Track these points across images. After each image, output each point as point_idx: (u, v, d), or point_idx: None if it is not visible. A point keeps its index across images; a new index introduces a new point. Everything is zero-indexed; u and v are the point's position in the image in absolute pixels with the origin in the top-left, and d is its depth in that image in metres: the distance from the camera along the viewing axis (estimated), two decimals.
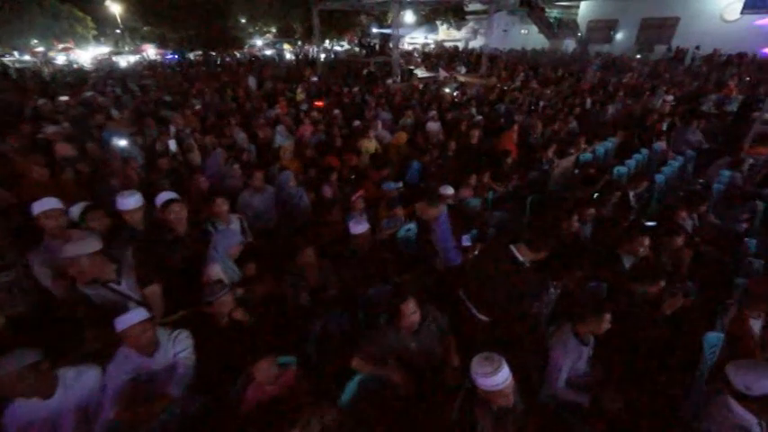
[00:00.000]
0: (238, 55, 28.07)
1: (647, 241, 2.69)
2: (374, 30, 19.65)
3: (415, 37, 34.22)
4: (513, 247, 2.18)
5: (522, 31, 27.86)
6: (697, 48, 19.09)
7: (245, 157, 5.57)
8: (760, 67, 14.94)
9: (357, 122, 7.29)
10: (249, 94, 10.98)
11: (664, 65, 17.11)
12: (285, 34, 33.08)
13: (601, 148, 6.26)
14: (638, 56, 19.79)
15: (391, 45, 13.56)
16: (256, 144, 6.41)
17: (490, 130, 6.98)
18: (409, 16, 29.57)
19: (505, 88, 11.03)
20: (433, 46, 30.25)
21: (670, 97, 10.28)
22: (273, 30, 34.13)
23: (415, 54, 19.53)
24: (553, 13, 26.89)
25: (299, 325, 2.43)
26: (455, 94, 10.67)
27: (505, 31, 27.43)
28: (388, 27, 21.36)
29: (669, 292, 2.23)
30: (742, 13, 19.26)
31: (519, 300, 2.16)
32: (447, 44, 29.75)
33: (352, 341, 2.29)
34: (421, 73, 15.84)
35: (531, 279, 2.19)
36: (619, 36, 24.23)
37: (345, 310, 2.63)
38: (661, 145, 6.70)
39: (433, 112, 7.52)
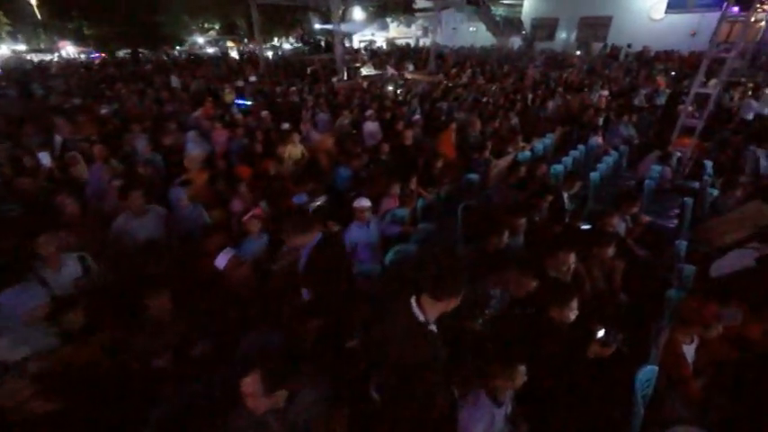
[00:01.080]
0: (177, 53, 26.06)
1: (571, 258, 2.35)
2: (317, 26, 18.84)
3: (366, 34, 33.73)
4: (413, 303, 1.69)
5: (471, 29, 28.25)
6: (629, 45, 20.28)
7: (145, 170, 4.75)
8: (683, 63, 15.98)
9: (286, 125, 6.62)
10: (174, 96, 9.88)
11: (600, 61, 17.89)
12: (229, 31, 31.24)
13: (539, 145, 6.09)
14: (578, 52, 20.61)
15: (335, 42, 12.91)
16: (164, 154, 5.56)
17: (431, 130, 6.63)
18: (358, 13, 29.09)
19: (450, 85, 10.79)
20: (384, 44, 29.94)
21: (605, 92, 10.56)
22: (217, 26, 32.12)
23: (363, 51, 18.99)
24: (499, 11, 27.52)
25: (134, 405, 1.80)
26: (399, 91, 10.26)
27: (454, 28, 27.68)
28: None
29: (602, 341, 1.86)
30: (666, 12, 20.92)
31: (422, 374, 1.62)
32: (399, 42, 29.53)
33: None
34: (368, 71, 15.34)
35: (437, 345, 1.70)
36: (560, 34, 25.21)
37: (214, 375, 2.03)
38: (597, 140, 6.68)
39: (370, 112, 7.01)
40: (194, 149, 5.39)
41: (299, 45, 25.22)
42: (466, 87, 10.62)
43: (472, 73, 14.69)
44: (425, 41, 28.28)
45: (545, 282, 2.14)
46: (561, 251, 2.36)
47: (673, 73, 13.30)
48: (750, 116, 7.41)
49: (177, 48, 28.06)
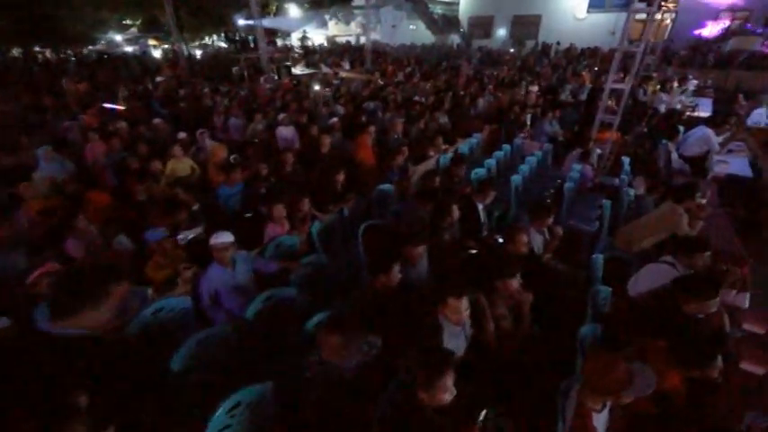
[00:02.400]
0: (87, 53, 23.09)
1: (463, 304, 1.85)
2: (242, 22, 17.48)
3: (305, 32, 32.46)
4: None
5: (411, 27, 28.19)
6: (558, 43, 21.28)
7: None
8: (604, 59, 16.91)
9: (182, 134, 5.67)
10: (58, 102, 8.37)
11: (532, 58, 18.47)
12: (152, 28, 28.37)
13: (464, 146, 5.72)
14: (512, 50, 21.21)
15: (258, 39, 11.84)
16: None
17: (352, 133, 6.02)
18: (294, 10, 27.80)
19: (381, 83, 10.29)
20: (325, 42, 28.97)
21: (535, 88, 10.67)
22: (138, 23, 29.04)
23: (296, 49, 17.96)
24: (437, 9, 27.72)
25: None
26: (327, 91, 9.55)
27: (394, 26, 27.35)
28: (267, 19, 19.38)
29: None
30: (588, 11, 22.22)
31: None
32: (339, 40, 28.73)
33: None
34: (300, 70, 14.44)
35: None
36: (496, 32, 25.92)
37: None
38: (523, 138, 6.50)
39: (283, 115, 6.25)
40: (46, 170, 4.31)
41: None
42: (398, 86, 10.17)
43: (411, 70, 14.39)
44: (366, 39, 27.74)
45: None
46: (451, 296, 1.85)
47: (596, 69, 13.91)
48: (662, 109, 7.70)
49: (89, 47, 24.90)
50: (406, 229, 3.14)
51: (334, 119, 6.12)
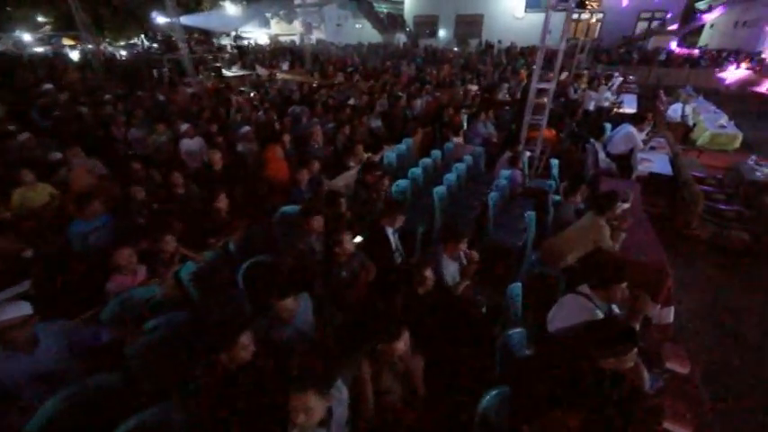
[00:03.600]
0: None
1: (312, 400, 1.33)
2: (161, 19, 15.97)
3: (247, 31, 30.83)
4: None
5: (357, 26, 27.62)
6: (499, 41, 21.80)
7: None
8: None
9: (57, 155, 4.70)
10: None
11: (475, 57, 18.65)
12: (66, 26, 25.36)
13: (391, 153, 5.26)
14: (456, 48, 21.37)
15: (177, 38, 10.67)
16: None
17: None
18: (231, 8, 26.19)
19: (314, 85, 9.64)
20: (268, 41, 27.60)
21: (474, 87, 10.56)
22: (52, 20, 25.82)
23: (228, 49, 16.74)
24: (382, 8, 27.42)
25: None
26: (252, 95, 8.73)
27: (339, 25, 26.70)
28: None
29: None
30: (525, 11, 22.97)
31: None
32: (283, 39, 27.49)
33: None
34: (234, 71, 13.36)
35: None
36: (441, 31, 26.09)
37: None
38: (457, 140, 6.19)
39: (186, 126, 5.43)
40: None
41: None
42: (333, 87, 9.58)
43: (354, 70, 13.82)
44: (311, 39, 26.76)
45: None
46: (299, 392, 1.32)
47: (534, 67, 14.18)
48: (591, 107, 7.79)
49: None
50: (290, 267, 2.58)
51: (246, 128, 5.40)
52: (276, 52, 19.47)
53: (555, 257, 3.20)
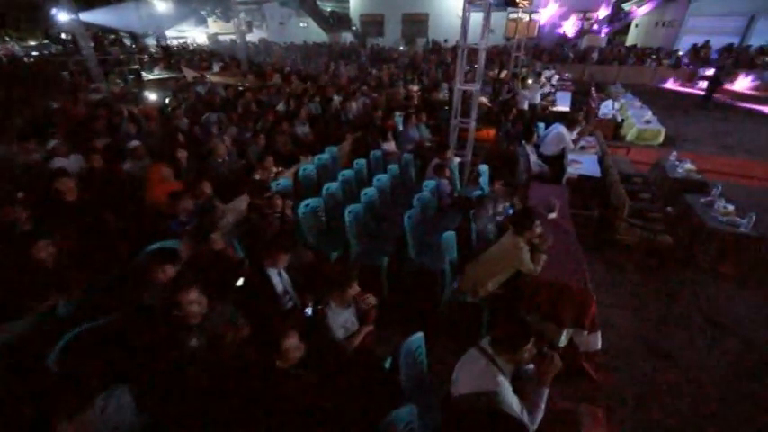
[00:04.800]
0: None
1: None
2: (62, 17, 14.14)
3: (183, 30, 28.71)
4: None
5: (302, 25, 26.61)
6: (445, 40, 21.90)
7: None
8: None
9: None
10: None
11: (420, 56, 18.51)
12: None
13: (310, 165, 4.68)
14: (401, 47, 21.15)
15: (78, 37, 9.29)
16: None
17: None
18: (161, 5, 24.11)
19: (240, 89, 8.80)
20: (206, 41, 25.85)
21: (415, 87, 10.23)
22: None
23: (152, 49, 15.20)
24: (327, 6, 26.63)
25: None
26: (167, 101, 7.74)
27: (282, 23, 25.57)
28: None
29: None
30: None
31: None
32: (222, 38, 25.83)
33: None
34: (155, 74, 12.05)
35: None
36: (388, 30, 25.79)
37: None
38: (388, 147, 5.74)
39: (54, 143, 4.50)
40: None
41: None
42: (262, 89, 8.79)
43: (288, 71, 13.01)
44: (251, 38, 25.35)
45: None
46: None
47: (475, 66, 14.20)
48: (525, 106, 7.71)
49: None
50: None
51: (135, 142, 4.57)
52: (203, 52, 18.02)
53: (475, 284, 2.81)
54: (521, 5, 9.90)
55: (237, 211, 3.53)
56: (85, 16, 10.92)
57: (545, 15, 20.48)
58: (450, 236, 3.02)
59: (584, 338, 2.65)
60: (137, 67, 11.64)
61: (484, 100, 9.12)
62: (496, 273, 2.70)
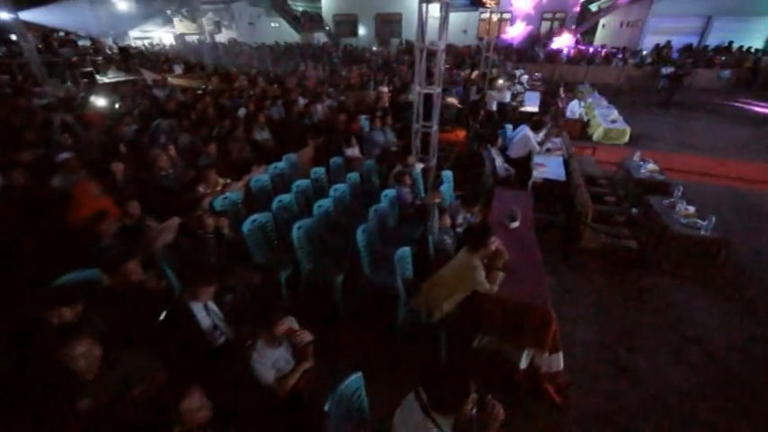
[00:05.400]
0: None
1: None
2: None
3: (148, 30, 27.48)
4: None
5: (273, 25, 25.96)
6: None
7: None
8: (457, 54, 17.67)
9: None
10: None
11: (395, 56, 18.34)
12: None
13: (264, 176, 4.36)
14: (374, 47, 20.94)
15: (18, 37, 8.57)
16: None
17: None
18: (123, 4, 22.95)
19: (200, 92, 8.34)
20: (173, 41, 24.79)
21: (385, 89, 10.01)
22: None
23: (108, 50, 14.36)
24: (298, 6, 26.10)
25: None
26: (117, 106, 7.21)
27: (251, 23, 24.85)
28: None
29: None
30: (440, 10, 23.32)
31: None
32: (190, 38, 24.87)
33: None
34: (112, 77, 11.32)
35: None
36: (361, 30, 25.52)
37: None
38: (351, 152, 5.49)
39: None
40: None
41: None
42: (223, 93, 8.35)
43: (255, 73, 12.54)
44: (220, 38, 24.53)
45: None
46: None
47: (447, 65, 14.15)
48: (494, 107, 7.63)
49: None
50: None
51: (65, 154, 4.13)
52: (165, 53, 17.17)
53: (430, 305, 2.60)
54: (488, 5, 9.88)
55: (171, 230, 3.20)
56: (28, 15, 10.10)
57: (515, 16, 20.76)
58: (404, 252, 2.80)
59: (545, 359, 2.49)
60: (90, 69, 10.89)
61: (454, 101, 9.04)
62: (451, 293, 2.50)
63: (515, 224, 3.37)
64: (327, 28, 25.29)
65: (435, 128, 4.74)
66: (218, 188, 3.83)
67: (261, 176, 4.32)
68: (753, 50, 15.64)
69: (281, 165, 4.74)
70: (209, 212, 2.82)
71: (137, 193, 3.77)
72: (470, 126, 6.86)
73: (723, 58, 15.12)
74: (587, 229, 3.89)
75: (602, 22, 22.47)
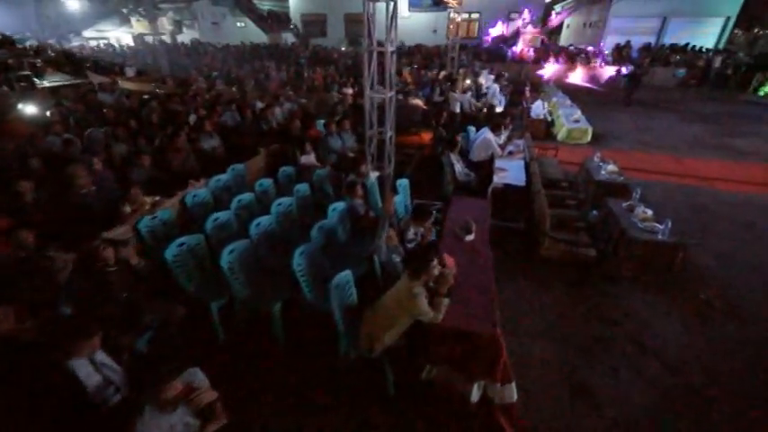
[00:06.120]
0: None
1: None
2: None
3: (104, 30, 26.00)
4: None
5: (239, 24, 25.12)
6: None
7: None
8: (427, 55, 17.58)
9: None
10: None
11: (363, 56, 18.03)
12: None
13: (201, 191, 3.96)
14: (344, 48, 20.59)
15: None
16: None
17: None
18: (73, 4, 21.55)
19: (146, 97, 7.76)
20: (131, 42, 23.51)
21: (350, 90, 9.71)
22: None
23: (49, 51, 13.31)
24: (265, 5, 25.35)
25: None
26: (49, 113, 6.56)
27: (215, 23, 23.92)
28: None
29: None
30: (410, 10, 23.20)
31: None
32: (150, 39, 23.65)
33: None
34: (54, 81, 10.44)
35: None
36: (330, 30, 25.07)
37: None
38: (306, 160, 5.16)
39: None
40: None
41: None
42: (172, 97, 7.80)
43: (216, 75, 11.95)
44: (183, 38, 23.45)
45: None
46: None
47: (415, 66, 13.99)
48: (457, 109, 7.48)
49: None
50: None
51: None
52: (116, 55, 16.16)
53: (371, 337, 2.34)
54: (450, 4, 9.76)
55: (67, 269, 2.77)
56: None
57: (485, 15, 20.92)
58: (343, 277, 2.51)
59: (497, 391, 2.27)
60: (27, 72, 9.99)
61: (419, 102, 8.85)
62: (392, 324, 2.24)
63: (470, 237, 3.16)
64: (295, 28, 24.69)
65: (390, 134, 4.50)
66: (147, 207, 3.42)
67: (200, 191, 3.93)
68: (704, 50, 16.38)
69: (225, 177, 4.35)
70: (107, 242, 2.43)
71: (50, 217, 3.35)
72: (435, 129, 6.67)
73: (678, 57, 15.74)
74: (546, 237, 3.75)
75: (566, 22, 23.04)
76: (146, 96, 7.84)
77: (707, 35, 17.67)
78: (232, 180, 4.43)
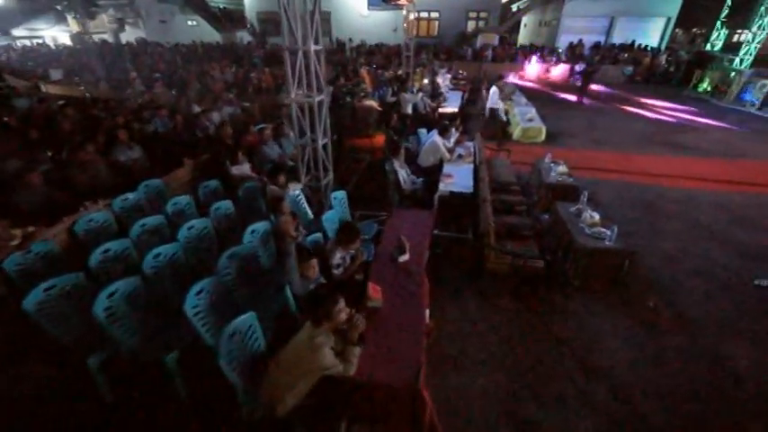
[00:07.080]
0: None
1: None
2: None
3: (36, 29, 23.81)
4: None
5: (190, 23, 23.71)
6: (350, 39, 21.19)
7: None
8: (387, 54, 17.28)
9: None
10: None
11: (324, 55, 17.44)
12: None
13: (100, 214, 3.38)
14: None
15: None
16: None
17: None
18: None
19: (61, 101, 6.90)
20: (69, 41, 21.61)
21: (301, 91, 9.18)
22: None
23: None
24: (218, 3, 24.10)
25: None
26: None
27: (164, 21, 22.43)
28: None
29: None
30: (369, 9, 22.82)
31: None
32: (92, 38, 21.81)
33: None
34: None
35: None
36: None
37: None
38: (237, 171, 4.64)
39: None
40: None
41: None
42: (96, 103, 6.99)
43: (157, 77, 11.01)
44: (126, 37, 21.79)
45: None
46: None
47: (374, 66, 13.64)
48: (409, 110, 7.20)
49: None
50: None
51: None
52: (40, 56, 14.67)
53: (272, 398, 1.93)
54: (401, 3, 9.47)
55: None
56: None
57: (445, 15, 20.90)
58: (244, 321, 2.09)
59: None
60: None
61: (374, 104, 8.49)
62: (294, 382, 1.85)
63: (404, 258, 2.82)
64: (251, 26, 23.64)
65: (324, 141, 4.09)
66: (15, 242, 2.82)
67: (96, 215, 3.34)
68: (649, 48, 17.16)
69: (134, 195, 3.76)
70: None
71: None
72: (386, 132, 6.34)
73: (626, 55, 16.36)
74: (492, 251, 3.49)
75: (523, 21, 23.53)
76: (61, 102, 6.95)
77: (651, 34, 18.55)
78: (144, 198, 3.85)
